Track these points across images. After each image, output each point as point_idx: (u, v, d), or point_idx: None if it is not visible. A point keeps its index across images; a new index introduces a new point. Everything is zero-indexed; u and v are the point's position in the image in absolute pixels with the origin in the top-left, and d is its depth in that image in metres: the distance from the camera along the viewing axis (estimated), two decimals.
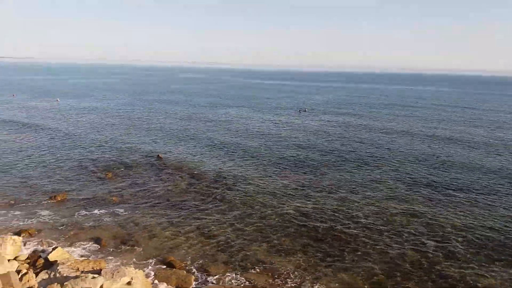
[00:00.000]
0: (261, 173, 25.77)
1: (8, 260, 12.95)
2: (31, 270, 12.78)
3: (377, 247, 15.75)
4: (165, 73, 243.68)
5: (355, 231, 17.16)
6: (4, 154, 28.56)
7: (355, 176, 25.47)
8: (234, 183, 23.64)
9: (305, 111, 58.74)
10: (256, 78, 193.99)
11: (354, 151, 32.67)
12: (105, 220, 17.85)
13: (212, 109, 59.75)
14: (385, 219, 18.61)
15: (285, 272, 13.76)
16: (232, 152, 31.86)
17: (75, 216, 18.10)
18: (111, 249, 15.17)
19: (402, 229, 17.49)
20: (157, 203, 20.25)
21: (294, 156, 30.55)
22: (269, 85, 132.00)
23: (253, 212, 19.24)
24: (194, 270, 13.88)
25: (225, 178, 24.56)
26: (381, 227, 17.66)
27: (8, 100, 60.72)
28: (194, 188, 22.73)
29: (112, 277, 11.28)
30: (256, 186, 23.14)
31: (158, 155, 29.82)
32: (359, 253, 15.27)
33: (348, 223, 17.99)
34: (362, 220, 18.41)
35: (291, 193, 22.09)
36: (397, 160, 29.91)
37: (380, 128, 44.47)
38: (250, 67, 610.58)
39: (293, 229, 17.33)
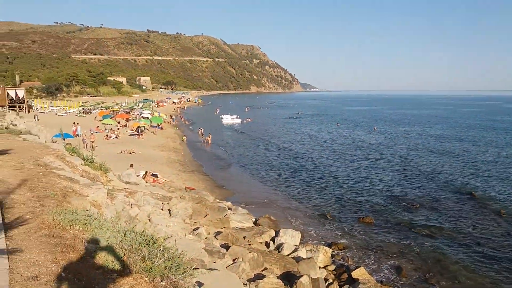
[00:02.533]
0: None
1: (319, 267, 14.75)
2: (336, 281, 14.03)
3: None
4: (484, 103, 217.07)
5: None
6: (327, 173, 33.06)
7: None
8: None
9: None
10: None
11: None
12: (408, 250, 17.46)
13: None
14: None
15: None
16: None
17: (380, 241, 18.58)
18: (409, 282, 14.59)
19: None
20: (468, 243, 18.01)
21: None
22: None
23: None
24: None
25: None
26: None
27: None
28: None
29: None
30: None
31: (471, 192, 26.64)
32: None
33: None
34: None
35: None
36: None
37: None
38: None
39: None
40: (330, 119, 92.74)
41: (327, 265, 15.36)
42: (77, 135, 39.59)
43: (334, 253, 16.73)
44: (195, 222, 16.47)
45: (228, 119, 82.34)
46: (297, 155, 42.03)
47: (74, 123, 45.23)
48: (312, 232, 19.67)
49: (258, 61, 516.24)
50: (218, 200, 21.65)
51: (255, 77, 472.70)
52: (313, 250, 15.72)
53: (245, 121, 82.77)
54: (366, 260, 16.41)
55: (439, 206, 23.98)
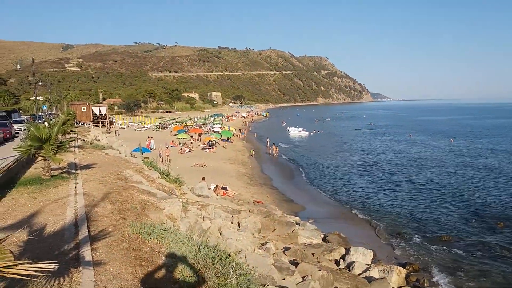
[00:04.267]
0: None
1: None
2: None
3: None
4: None
5: None
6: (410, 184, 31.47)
7: None
8: None
9: None
10: None
11: None
12: (490, 273, 15.96)
13: None
14: None
15: None
16: None
17: (459, 262, 17.21)
18: None
19: None
20: None
21: None
22: None
23: None
24: None
25: None
26: None
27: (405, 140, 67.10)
28: None
29: None
30: None
31: None
32: None
33: None
34: None
35: None
36: None
37: None
38: None
39: None
40: (403, 130, 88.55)
41: (401, 287, 14.55)
42: (151, 148, 42.12)
43: (409, 273, 15.78)
44: (264, 237, 16.59)
45: (295, 132, 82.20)
46: (369, 168, 40.62)
47: (148, 137, 48.42)
48: (385, 250, 18.79)
49: (325, 72, 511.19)
50: (286, 215, 21.62)
51: (322, 88, 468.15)
52: (386, 270, 15.00)
53: (312, 133, 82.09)
54: (444, 283, 15.27)
55: None
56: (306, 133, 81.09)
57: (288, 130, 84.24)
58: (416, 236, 20.64)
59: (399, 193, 30.09)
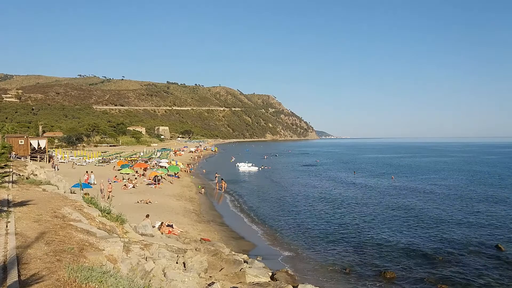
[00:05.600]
0: None
1: None
2: None
3: None
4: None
5: None
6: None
7: None
8: None
9: None
10: None
11: None
12: None
13: None
14: None
15: None
16: None
17: None
18: None
19: None
20: None
21: None
22: None
23: None
24: None
25: None
26: None
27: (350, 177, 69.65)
28: None
29: None
30: None
31: (497, 245, 25.46)
32: None
33: None
34: None
35: None
36: None
37: None
38: None
39: None
40: (347, 167, 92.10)
41: None
42: (91, 183, 40.11)
43: None
44: (210, 277, 16.07)
45: (244, 167, 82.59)
46: (315, 204, 41.36)
47: (86, 171, 46.15)
48: (333, 286, 18.88)
49: (273, 109, 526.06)
50: (234, 252, 21.19)
51: (270, 125, 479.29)
52: None
53: (261, 168, 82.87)
54: None
55: (464, 259, 22.89)
56: (256, 168, 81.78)
57: (237, 166, 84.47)
58: (362, 272, 21.01)
59: (344, 228, 30.75)
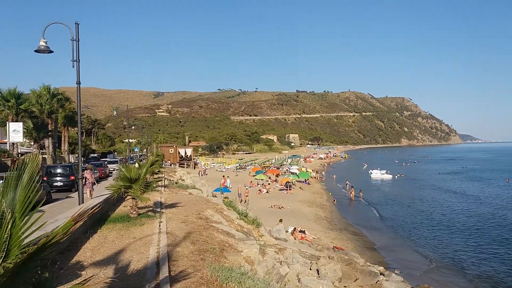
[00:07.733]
0: None
1: None
2: None
3: None
4: None
5: None
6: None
7: None
8: None
9: None
10: None
11: None
12: None
13: None
14: None
15: None
16: None
17: None
18: None
19: None
20: None
21: None
22: None
23: None
24: None
25: None
26: None
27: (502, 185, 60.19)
28: None
29: None
30: None
31: None
32: None
33: None
34: None
35: None
36: None
37: None
38: None
39: None
40: (498, 175, 79.84)
41: None
42: (227, 187, 43.08)
43: None
44: (345, 286, 15.52)
45: (377, 174, 78.37)
46: (462, 217, 36.84)
47: (223, 176, 50.08)
48: None
49: (409, 112, 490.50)
50: (369, 264, 20.14)
51: (406, 129, 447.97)
52: None
53: (396, 176, 77.69)
54: None
55: None
56: (390, 176, 76.90)
57: (370, 173, 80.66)
58: None
59: (498, 243, 26.59)
